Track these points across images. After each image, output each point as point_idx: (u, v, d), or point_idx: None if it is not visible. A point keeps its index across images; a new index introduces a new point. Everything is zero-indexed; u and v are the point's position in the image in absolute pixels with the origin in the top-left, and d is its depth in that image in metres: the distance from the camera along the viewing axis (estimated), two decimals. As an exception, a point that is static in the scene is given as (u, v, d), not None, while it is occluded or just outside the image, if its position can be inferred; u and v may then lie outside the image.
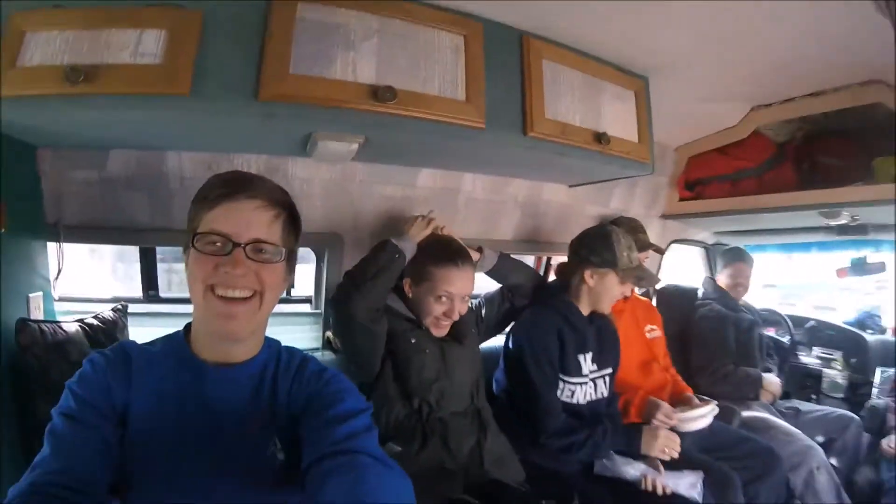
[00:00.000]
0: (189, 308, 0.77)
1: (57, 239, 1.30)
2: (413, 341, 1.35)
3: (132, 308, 1.41)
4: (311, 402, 0.76)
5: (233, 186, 0.75)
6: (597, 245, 1.54)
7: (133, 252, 1.64)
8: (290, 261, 0.79)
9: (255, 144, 1.29)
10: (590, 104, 1.42)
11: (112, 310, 1.34)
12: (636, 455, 1.46)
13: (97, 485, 0.67)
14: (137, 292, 1.64)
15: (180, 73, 0.93)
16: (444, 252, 1.39)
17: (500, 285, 1.67)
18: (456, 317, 1.39)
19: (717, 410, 1.64)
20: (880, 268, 2.48)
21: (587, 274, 1.54)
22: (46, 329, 1.14)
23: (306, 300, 1.78)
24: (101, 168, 1.28)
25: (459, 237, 1.50)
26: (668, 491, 1.37)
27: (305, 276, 1.78)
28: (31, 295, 1.21)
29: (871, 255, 2.51)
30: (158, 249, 1.62)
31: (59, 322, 1.20)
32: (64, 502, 0.62)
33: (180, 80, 0.93)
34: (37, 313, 1.22)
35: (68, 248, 1.34)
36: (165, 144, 1.29)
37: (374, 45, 1.06)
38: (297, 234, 0.81)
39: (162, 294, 1.66)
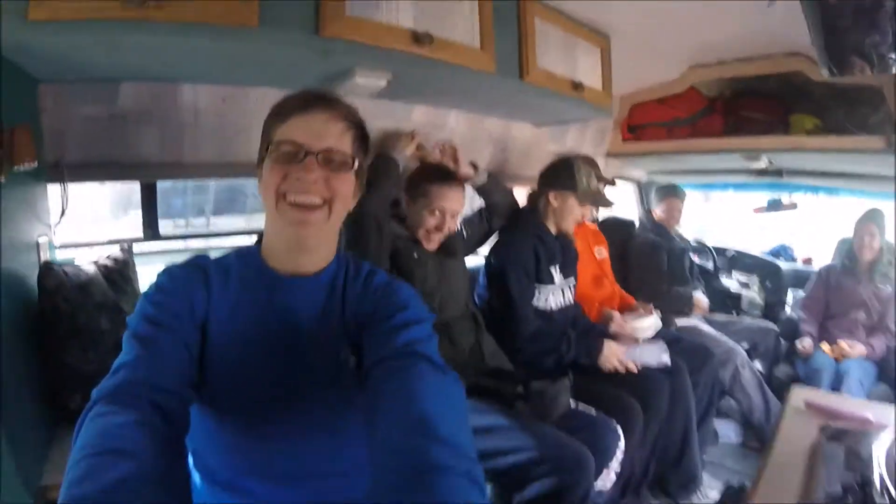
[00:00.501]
0: (192, 245, 0.90)
1: (60, 179, 1.28)
2: (416, 256, 1.60)
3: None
4: (378, 309, 0.80)
5: (306, 100, 0.79)
6: (561, 172, 1.89)
7: (128, 195, 1.63)
8: (360, 175, 0.82)
9: (280, 78, 1.37)
10: (568, 57, 1.71)
11: (120, 250, 1.38)
12: (594, 362, 1.82)
13: (183, 387, 0.70)
14: (133, 234, 1.64)
15: (248, 5, 1.01)
16: (440, 173, 1.67)
17: (477, 209, 1.99)
18: (446, 231, 1.65)
19: (660, 323, 2.06)
20: (792, 207, 3.03)
21: (552, 196, 1.90)
22: (70, 271, 1.16)
23: None
24: (110, 102, 1.29)
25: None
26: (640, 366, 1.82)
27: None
28: (39, 240, 1.21)
29: (785, 197, 3.04)
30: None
31: (78, 265, 1.22)
32: (152, 403, 0.63)
33: (249, 13, 1.01)
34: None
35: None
36: (184, 76, 1.33)
37: (410, -6, 1.23)
38: (367, 151, 0.84)
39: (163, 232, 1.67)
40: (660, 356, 1.88)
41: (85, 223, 1.75)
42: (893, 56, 1.05)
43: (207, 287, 0.78)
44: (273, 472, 0.79)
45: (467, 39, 1.36)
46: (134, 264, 1.38)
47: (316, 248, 0.82)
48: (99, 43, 1.00)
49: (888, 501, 0.85)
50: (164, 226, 1.69)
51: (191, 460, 0.80)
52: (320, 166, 0.76)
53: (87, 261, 1.27)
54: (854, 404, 1.35)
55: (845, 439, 1.06)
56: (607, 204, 2.03)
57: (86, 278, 1.19)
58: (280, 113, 0.79)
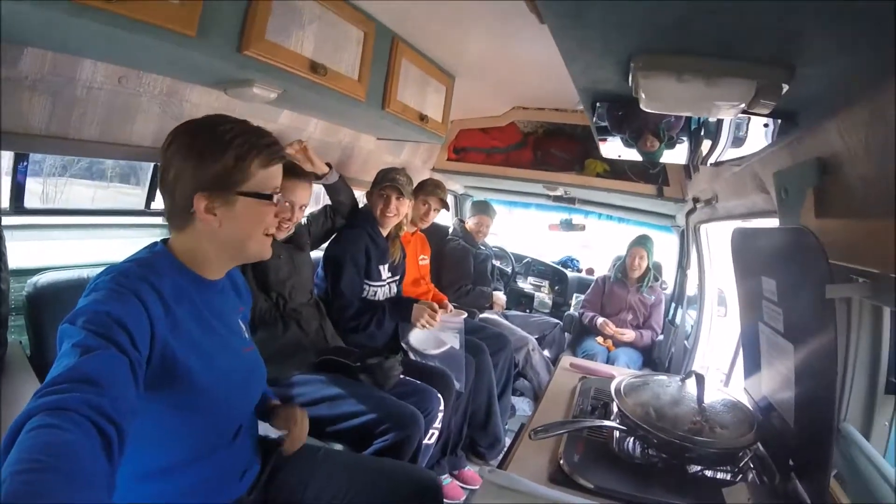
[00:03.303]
0: (58, 220, 1.15)
1: None
2: None
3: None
4: (242, 296, 1.24)
5: (278, 150, 1.07)
6: (385, 177, 2.50)
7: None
8: None
9: (186, 73, 1.67)
10: (420, 92, 2.30)
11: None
12: (407, 321, 2.44)
13: (126, 417, 0.72)
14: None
15: (192, 16, 1.27)
16: (291, 168, 1.98)
17: (322, 206, 2.48)
18: (295, 220, 2.04)
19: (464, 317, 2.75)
20: (581, 227, 4.18)
21: (376, 194, 2.50)
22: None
23: (162, 213, 2.19)
24: (10, 65, 1.36)
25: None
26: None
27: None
28: None
29: (575, 218, 4.13)
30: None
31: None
32: (97, 427, 0.67)
33: (190, 22, 1.27)
34: None
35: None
36: (91, 54, 1.49)
37: (315, 29, 1.65)
38: None
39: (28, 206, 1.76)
40: (454, 340, 2.55)
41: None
42: (682, 138, 1.36)
43: (146, 307, 0.89)
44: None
45: (349, 71, 1.84)
46: (4, 238, 1.46)
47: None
48: (37, 16, 1.12)
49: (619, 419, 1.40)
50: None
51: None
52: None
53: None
54: (599, 365, 2.20)
55: (593, 382, 1.80)
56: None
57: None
58: (256, 154, 1.02)
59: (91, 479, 0.60)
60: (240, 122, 1.04)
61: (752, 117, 1.08)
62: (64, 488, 0.56)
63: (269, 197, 1.04)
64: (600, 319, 3.58)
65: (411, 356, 2.41)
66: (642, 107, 0.94)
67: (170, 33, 1.26)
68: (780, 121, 1.07)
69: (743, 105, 0.86)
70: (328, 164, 2.36)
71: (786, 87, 0.81)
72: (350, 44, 1.83)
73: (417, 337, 2.46)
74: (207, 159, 0.99)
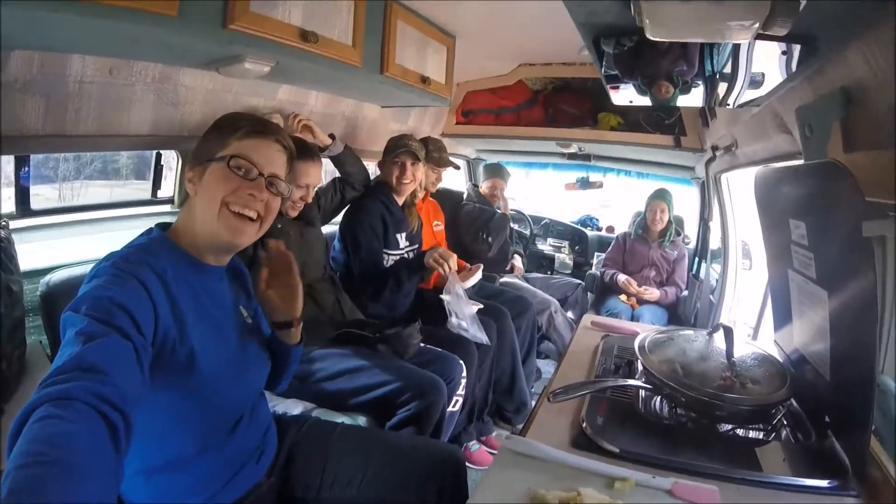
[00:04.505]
0: (66, 218, 1.13)
1: None
2: (279, 226, 1.90)
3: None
4: (245, 285, 1.22)
5: (264, 127, 1.04)
6: (397, 144, 2.41)
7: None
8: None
9: (176, 57, 1.63)
10: (420, 54, 2.20)
11: None
12: (421, 268, 2.30)
13: (132, 406, 0.71)
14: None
15: None
16: (304, 149, 1.94)
17: (332, 179, 2.42)
18: (309, 200, 2.02)
19: (480, 275, 2.67)
20: (598, 185, 4.08)
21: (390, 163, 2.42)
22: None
23: (168, 201, 2.19)
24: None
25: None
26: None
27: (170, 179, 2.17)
28: None
29: (592, 176, 4.03)
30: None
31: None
32: (103, 417, 0.66)
33: (169, 3, 1.23)
34: None
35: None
36: (77, 48, 1.46)
37: (304, -4, 1.58)
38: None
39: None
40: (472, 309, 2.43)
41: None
42: (697, 83, 1.27)
43: (148, 290, 0.88)
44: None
45: (342, 37, 1.76)
46: (12, 241, 1.47)
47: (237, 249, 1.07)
48: (19, 17, 1.09)
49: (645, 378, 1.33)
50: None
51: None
52: (265, 188, 1.01)
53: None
54: (622, 323, 2.13)
55: (616, 340, 1.74)
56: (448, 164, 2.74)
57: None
58: (238, 128, 1.01)
59: (94, 470, 0.59)
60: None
61: (769, 46, 0.99)
62: (66, 480, 0.55)
63: (226, 160, 1.00)
64: (622, 277, 3.48)
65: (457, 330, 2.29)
66: (648, 35, 0.86)
67: (150, 16, 1.21)
68: (799, 48, 0.98)
69: (757, 25, 0.77)
70: (331, 136, 2.30)
71: (804, 2, 0.72)
72: (340, 9, 1.75)
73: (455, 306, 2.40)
74: (202, 140, 1.04)
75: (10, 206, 1.77)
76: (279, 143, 1.06)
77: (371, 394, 1.82)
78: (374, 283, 2.32)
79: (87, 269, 1.54)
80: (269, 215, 1.05)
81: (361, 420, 1.83)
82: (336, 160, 2.37)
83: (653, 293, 3.41)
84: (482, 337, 2.23)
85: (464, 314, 2.25)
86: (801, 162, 1.31)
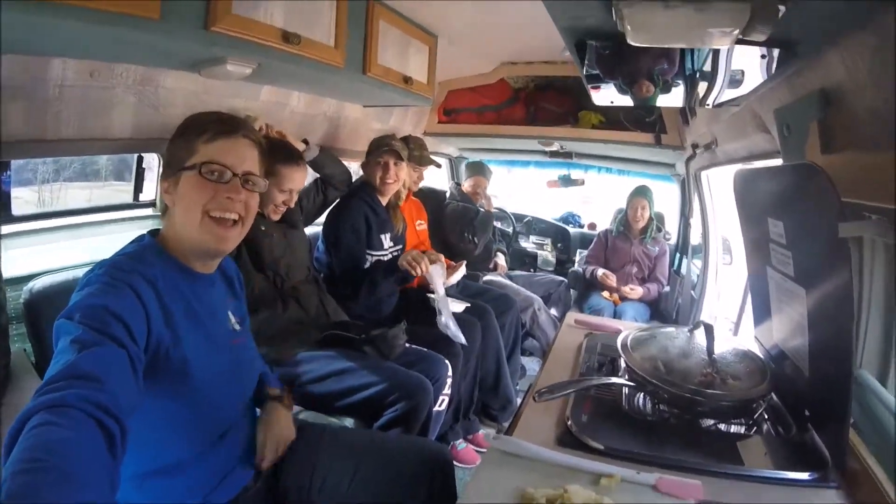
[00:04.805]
0: (49, 223, 1.11)
1: None
2: (263, 228, 1.90)
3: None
4: (234, 285, 1.23)
5: (229, 125, 1.02)
6: (380, 144, 2.42)
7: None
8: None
9: (157, 59, 1.60)
10: (402, 54, 2.19)
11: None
12: (396, 270, 2.24)
13: (126, 413, 0.72)
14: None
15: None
16: (289, 155, 1.99)
17: (313, 180, 2.40)
18: (292, 204, 2.02)
19: (464, 271, 2.65)
20: (580, 182, 4.08)
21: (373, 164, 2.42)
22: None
23: (150, 204, 2.15)
24: None
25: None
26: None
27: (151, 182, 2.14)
28: None
29: (574, 173, 4.04)
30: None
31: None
32: (99, 424, 0.66)
33: (152, 5, 1.20)
34: None
35: None
36: (59, 51, 1.43)
37: (285, -2, 1.57)
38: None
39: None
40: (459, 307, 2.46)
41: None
42: (677, 82, 1.29)
43: (141, 298, 0.89)
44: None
45: (324, 38, 1.74)
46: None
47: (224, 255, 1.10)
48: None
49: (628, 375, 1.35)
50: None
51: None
52: (241, 187, 1.01)
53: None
54: (605, 321, 2.15)
55: (599, 338, 1.76)
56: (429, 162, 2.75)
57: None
58: (204, 131, 1.01)
59: (90, 476, 0.59)
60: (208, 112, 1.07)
61: (749, 49, 1.00)
62: (62, 487, 0.55)
63: (197, 168, 0.99)
64: (600, 271, 3.53)
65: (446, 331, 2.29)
66: (629, 41, 0.87)
67: (132, 18, 1.19)
68: (778, 51, 1.00)
69: (737, 31, 0.79)
70: (305, 141, 2.29)
71: (783, 9, 0.74)
72: (322, 10, 1.74)
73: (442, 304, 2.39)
74: (170, 147, 1.04)
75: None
76: (247, 137, 1.05)
77: (358, 395, 1.81)
78: (353, 284, 2.31)
79: (70, 275, 1.59)
80: (250, 214, 1.05)
81: (349, 422, 1.84)
82: (313, 164, 2.35)
83: (636, 291, 3.45)
84: (460, 337, 2.24)
85: (446, 312, 2.26)
86: (779, 161, 1.33)
